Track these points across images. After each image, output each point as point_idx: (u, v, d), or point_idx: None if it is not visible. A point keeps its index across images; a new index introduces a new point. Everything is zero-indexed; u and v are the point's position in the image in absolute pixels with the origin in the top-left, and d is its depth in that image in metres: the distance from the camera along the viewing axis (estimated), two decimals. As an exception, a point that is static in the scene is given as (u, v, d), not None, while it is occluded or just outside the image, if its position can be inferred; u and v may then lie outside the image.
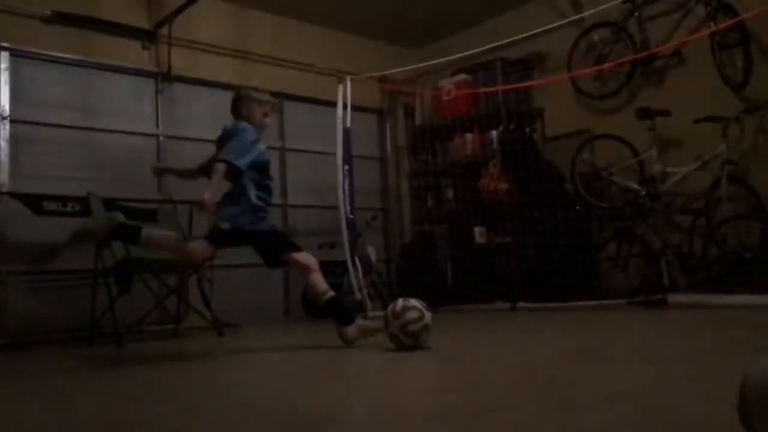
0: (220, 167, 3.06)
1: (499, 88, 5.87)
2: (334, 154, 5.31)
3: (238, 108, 3.36)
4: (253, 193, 3.21)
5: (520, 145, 5.63)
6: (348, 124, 5.49)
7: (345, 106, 5.50)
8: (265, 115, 3.38)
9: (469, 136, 6.20)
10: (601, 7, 5.08)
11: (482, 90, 6.06)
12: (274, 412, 1.83)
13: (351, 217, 5.29)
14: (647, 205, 5.00)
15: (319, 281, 3.26)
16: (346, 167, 5.34)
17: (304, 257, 3.30)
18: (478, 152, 6.09)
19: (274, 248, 3.32)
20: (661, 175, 4.90)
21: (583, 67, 5.59)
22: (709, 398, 1.61)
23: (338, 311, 3.27)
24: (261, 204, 3.25)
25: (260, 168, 3.26)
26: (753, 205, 4.59)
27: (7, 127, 4.62)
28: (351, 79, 5.58)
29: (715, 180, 4.60)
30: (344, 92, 5.50)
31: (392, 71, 6.26)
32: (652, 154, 4.93)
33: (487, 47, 5.56)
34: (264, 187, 3.28)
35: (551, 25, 5.29)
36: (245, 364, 3.12)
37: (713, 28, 4.74)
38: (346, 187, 5.29)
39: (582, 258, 5.13)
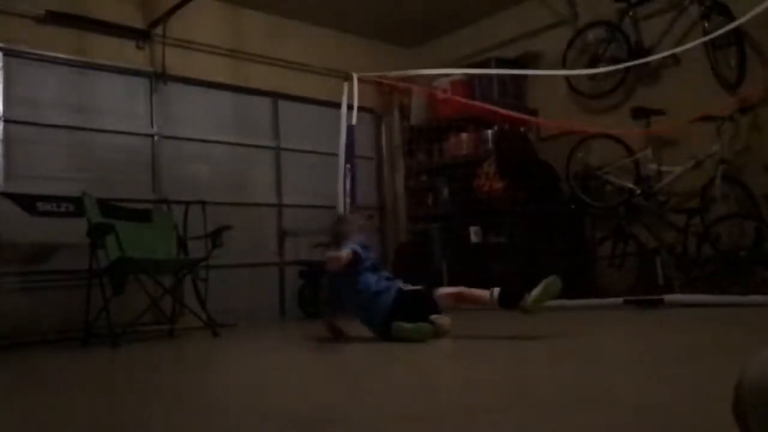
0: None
1: (494, 90, 5.85)
2: (330, 153, 5.28)
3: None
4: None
5: (515, 144, 5.63)
6: (354, 122, 5.45)
7: (350, 105, 5.45)
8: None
9: (464, 135, 6.20)
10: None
11: (477, 94, 6.03)
12: (272, 413, 1.82)
13: (349, 216, 5.27)
14: (642, 205, 5.01)
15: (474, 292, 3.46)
16: (348, 165, 5.29)
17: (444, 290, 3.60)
18: (473, 152, 6.09)
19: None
20: (655, 175, 4.92)
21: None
22: (705, 398, 1.61)
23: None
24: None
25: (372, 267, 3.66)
26: (747, 204, 4.61)
27: (1, 127, 4.60)
28: (357, 77, 5.53)
29: (710, 179, 4.61)
30: (350, 90, 5.45)
31: (388, 73, 6.24)
32: (646, 154, 4.94)
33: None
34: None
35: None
36: (241, 364, 3.11)
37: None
38: (348, 185, 5.24)
39: (577, 257, 5.14)
